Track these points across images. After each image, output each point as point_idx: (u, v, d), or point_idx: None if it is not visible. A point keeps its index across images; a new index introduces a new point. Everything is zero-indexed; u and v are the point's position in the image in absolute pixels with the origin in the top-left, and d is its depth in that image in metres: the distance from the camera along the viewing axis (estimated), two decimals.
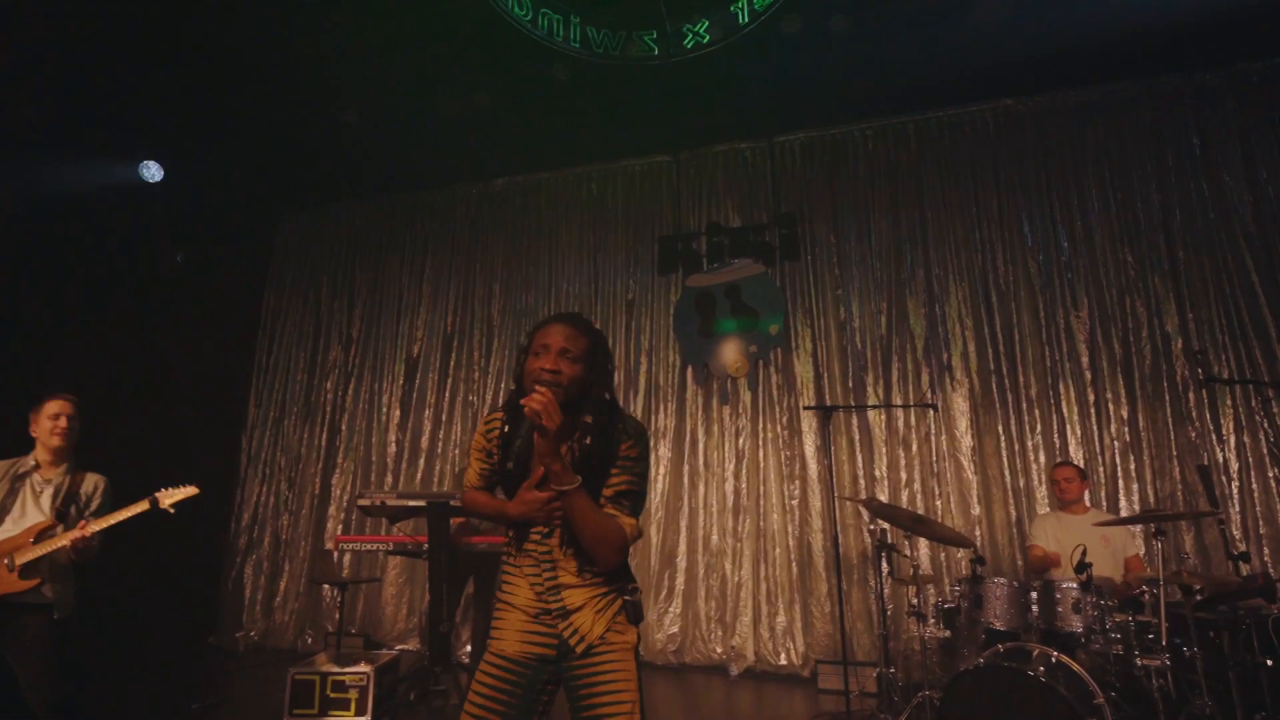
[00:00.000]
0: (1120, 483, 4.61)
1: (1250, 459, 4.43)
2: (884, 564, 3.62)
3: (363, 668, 4.00)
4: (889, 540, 3.78)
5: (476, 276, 6.41)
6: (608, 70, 5.37)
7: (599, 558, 1.56)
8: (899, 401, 5.09)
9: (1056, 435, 4.78)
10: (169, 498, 3.13)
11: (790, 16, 4.80)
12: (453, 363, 6.28)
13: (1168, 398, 4.63)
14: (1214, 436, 4.52)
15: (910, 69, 5.08)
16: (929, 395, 5.02)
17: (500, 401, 5.54)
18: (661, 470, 5.55)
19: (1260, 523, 4.34)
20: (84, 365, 4.92)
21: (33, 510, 2.96)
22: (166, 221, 6.06)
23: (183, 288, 6.17)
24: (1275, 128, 4.80)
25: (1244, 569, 3.85)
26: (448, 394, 6.22)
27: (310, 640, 5.94)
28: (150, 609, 5.43)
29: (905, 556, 3.73)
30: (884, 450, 5.08)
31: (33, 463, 3.03)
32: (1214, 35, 4.63)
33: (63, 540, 2.84)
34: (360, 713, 3.90)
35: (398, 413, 6.31)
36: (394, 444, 6.24)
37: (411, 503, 4.38)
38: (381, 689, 4.05)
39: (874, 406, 5.06)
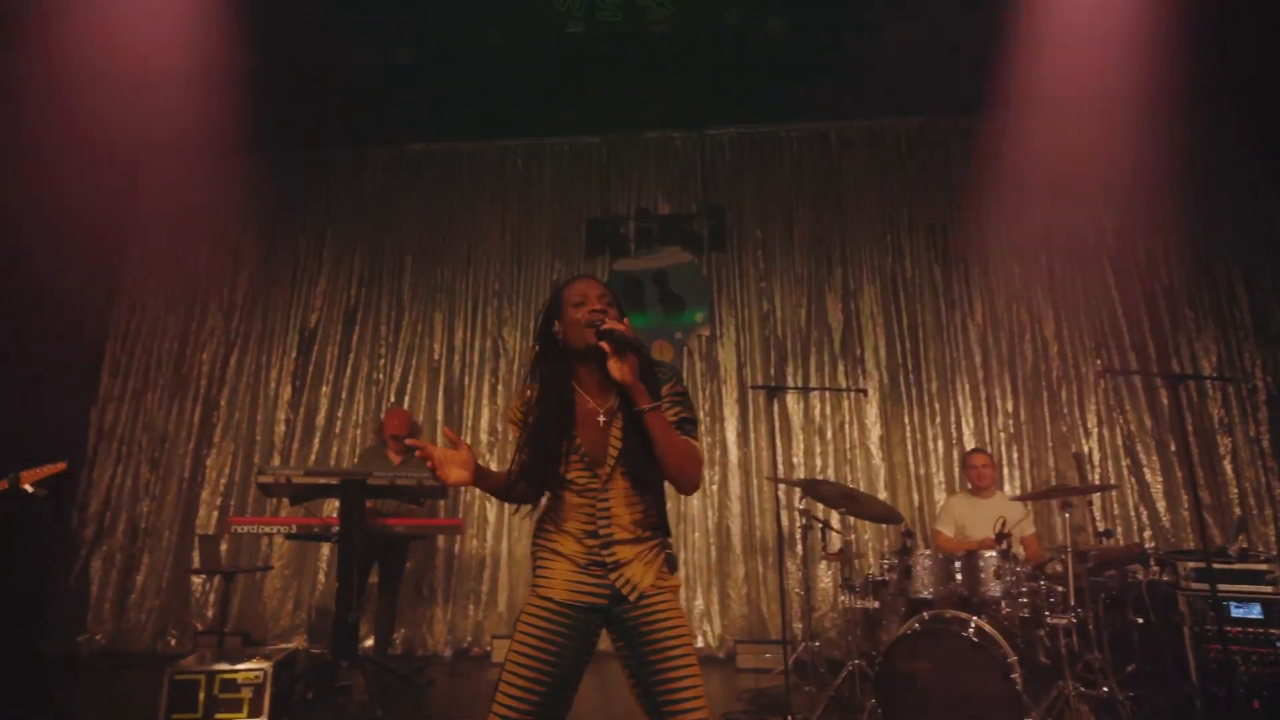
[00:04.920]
0: (1005, 469, 5.11)
1: (1109, 449, 5.07)
2: (821, 541, 3.75)
3: (258, 664, 3.60)
4: (820, 518, 3.92)
5: (385, 246, 5.97)
6: (542, 42, 5.23)
7: (687, 476, 1.62)
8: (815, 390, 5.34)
9: (954, 427, 5.22)
10: (32, 476, 2.62)
11: (732, 10, 4.93)
12: (355, 337, 5.80)
13: (1045, 395, 5.20)
14: (1081, 429, 5.13)
15: (834, 79, 5.36)
16: (853, 383, 5.30)
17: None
18: None
19: (1115, 504, 4.97)
20: None
21: None
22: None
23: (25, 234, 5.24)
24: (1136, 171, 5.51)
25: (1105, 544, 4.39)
26: (349, 370, 5.74)
27: (174, 642, 5.26)
28: None
29: (838, 532, 3.89)
30: (801, 437, 5.30)
31: None
32: None
33: None
34: (255, 714, 3.51)
35: (289, 389, 5.74)
36: (284, 422, 5.67)
37: (322, 480, 4.00)
38: (279, 687, 3.66)
39: (814, 389, 5.25)
